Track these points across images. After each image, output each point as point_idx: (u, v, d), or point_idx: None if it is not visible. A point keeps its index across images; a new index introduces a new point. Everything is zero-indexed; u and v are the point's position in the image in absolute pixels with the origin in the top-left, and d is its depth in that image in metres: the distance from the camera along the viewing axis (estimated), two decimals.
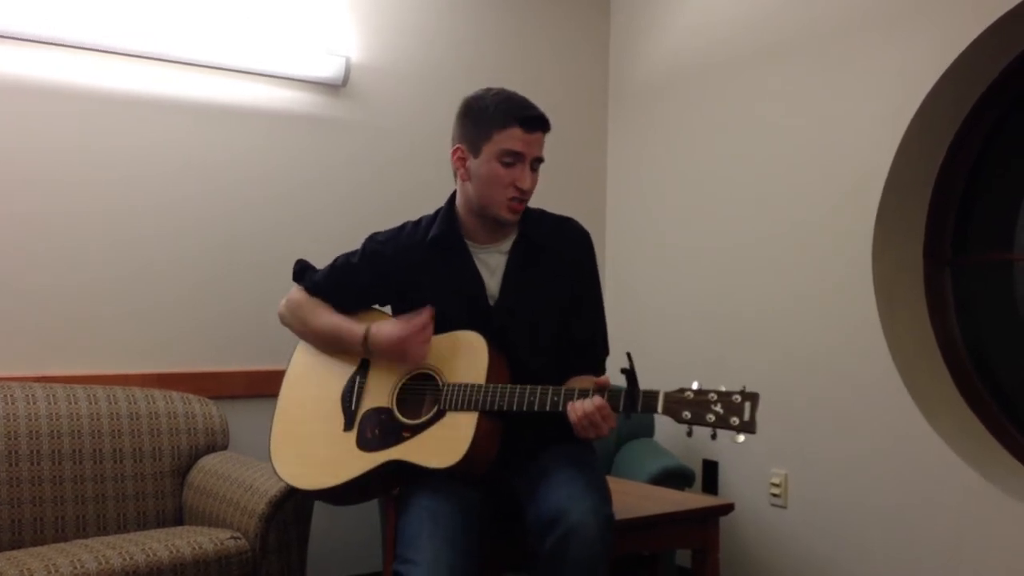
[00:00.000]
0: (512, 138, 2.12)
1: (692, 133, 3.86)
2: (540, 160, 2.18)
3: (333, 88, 3.55)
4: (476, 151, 2.16)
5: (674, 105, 3.94)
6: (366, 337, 2.19)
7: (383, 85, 3.67)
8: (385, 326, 2.18)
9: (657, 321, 3.95)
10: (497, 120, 2.13)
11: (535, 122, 2.15)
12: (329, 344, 2.30)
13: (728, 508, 2.50)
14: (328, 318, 2.29)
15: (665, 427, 3.57)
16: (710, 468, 3.70)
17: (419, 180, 3.62)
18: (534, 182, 2.18)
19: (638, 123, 4.12)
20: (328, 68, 3.48)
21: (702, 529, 2.44)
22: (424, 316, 2.15)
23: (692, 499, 2.56)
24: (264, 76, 3.41)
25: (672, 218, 3.93)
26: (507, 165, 2.13)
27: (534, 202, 2.36)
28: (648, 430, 3.47)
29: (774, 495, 3.47)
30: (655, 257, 4.00)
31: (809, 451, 3.38)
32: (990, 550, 2.89)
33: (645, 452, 3.23)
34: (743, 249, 3.62)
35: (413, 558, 1.88)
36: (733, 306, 3.65)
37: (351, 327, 2.23)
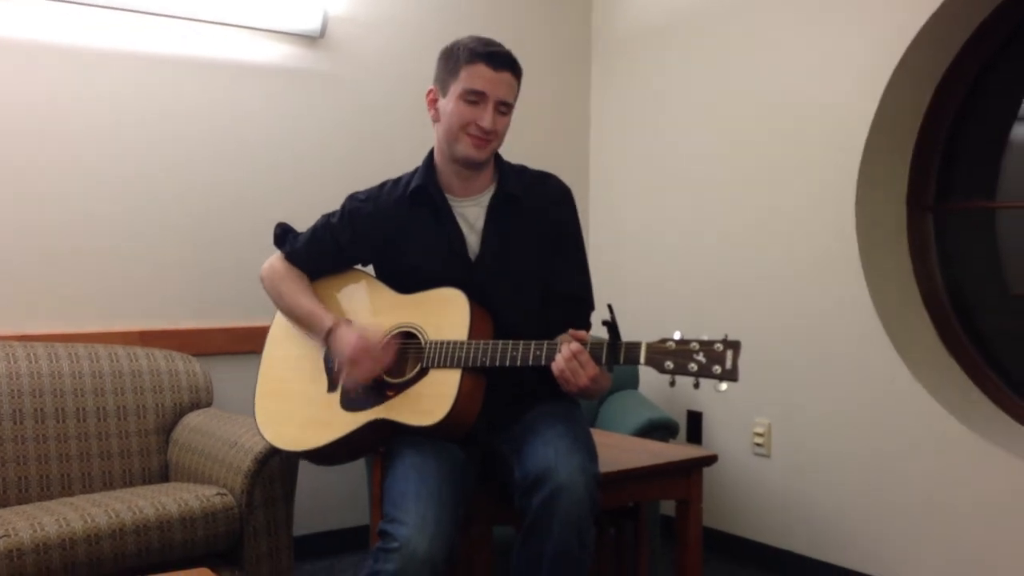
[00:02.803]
0: (477, 76, 2.11)
1: (675, 83, 3.82)
2: (507, 104, 2.14)
3: (311, 40, 3.50)
4: (445, 90, 2.16)
5: (658, 54, 3.90)
6: (329, 334, 2.17)
7: (362, 37, 3.62)
8: (348, 333, 2.13)
9: (640, 272, 3.95)
10: (464, 57, 2.13)
11: (500, 59, 2.13)
12: (299, 325, 2.28)
13: (711, 459, 2.52)
14: (300, 301, 2.25)
15: (649, 379, 3.58)
16: (694, 419, 3.73)
17: (398, 133, 3.59)
18: (504, 125, 2.15)
19: (621, 74, 4.08)
20: (306, 19, 3.43)
21: (685, 480, 2.45)
22: (387, 343, 2.12)
23: (675, 451, 2.57)
24: (240, 27, 3.35)
25: (655, 169, 3.91)
26: (471, 103, 2.12)
27: (516, 155, 2.35)
28: (632, 382, 3.48)
29: (757, 444, 3.50)
30: (638, 208, 3.99)
31: (792, 400, 3.40)
32: (970, 496, 2.93)
33: (629, 404, 3.25)
34: (725, 200, 3.61)
35: (400, 517, 1.89)
36: (716, 257, 3.65)
37: (320, 320, 2.19)
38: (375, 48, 3.65)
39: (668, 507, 2.92)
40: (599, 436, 2.65)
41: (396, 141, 3.55)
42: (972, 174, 3.22)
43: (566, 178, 2.34)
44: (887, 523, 3.13)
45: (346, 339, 2.12)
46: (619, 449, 2.55)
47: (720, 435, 3.64)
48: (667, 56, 3.85)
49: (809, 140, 3.33)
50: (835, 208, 3.24)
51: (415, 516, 1.88)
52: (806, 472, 3.37)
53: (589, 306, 2.28)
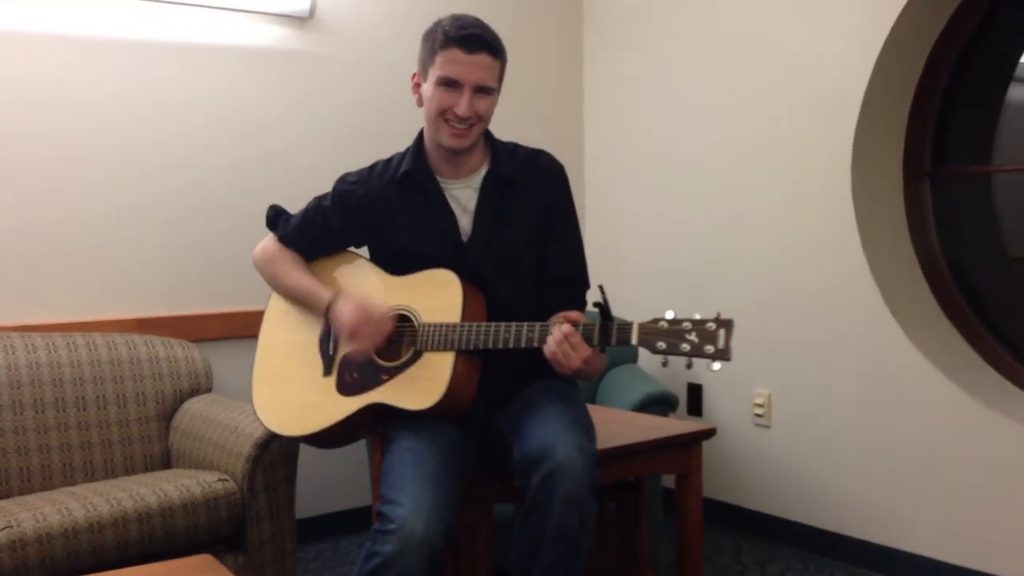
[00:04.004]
0: (451, 61, 2.06)
1: (668, 53, 3.79)
2: (486, 88, 2.09)
3: (299, 20, 3.47)
4: (425, 75, 2.13)
5: (650, 24, 3.86)
6: (328, 307, 2.17)
7: (351, 16, 3.59)
8: (347, 306, 2.13)
9: (638, 247, 3.94)
10: (439, 41, 2.08)
11: (474, 41, 2.06)
12: (297, 303, 2.29)
13: (710, 433, 2.52)
14: (297, 279, 2.26)
15: (648, 353, 3.57)
16: (694, 391, 3.73)
17: (390, 113, 3.56)
18: (486, 108, 2.11)
19: (614, 45, 4.04)
20: (294, 0, 3.40)
21: (684, 453, 2.45)
22: (386, 317, 2.12)
23: (673, 425, 2.57)
24: (227, 10, 3.32)
25: (650, 142, 3.89)
26: (447, 89, 2.08)
27: (510, 133, 2.33)
28: (632, 356, 3.48)
29: (758, 415, 3.51)
30: (634, 182, 3.97)
31: (791, 370, 3.40)
32: (970, 461, 2.93)
33: (629, 379, 3.24)
34: (721, 169, 3.60)
35: (397, 499, 1.89)
36: (713, 228, 3.63)
37: (318, 295, 2.20)
38: (364, 28, 3.62)
39: (669, 479, 2.93)
40: (598, 412, 2.65)
41: (388, 122, 3.52)
42: (968, 138, 3.20)
43: (561, 155, 2.32)
44: (888, 491, 3.13)
45: (346, 310, 2.12)
46: (618, 424, 2.55)
47: (720, 407, 3.65)
48: (659, 28, 3.82)
49: (804, 107, 3.30)
50: (831, 175, 3.22)
51: (412, 498, 1.88)
52: (806, 441, 3.37)
53: (584, 284, 2.26)
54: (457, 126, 2.09)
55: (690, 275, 3.72)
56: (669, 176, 3.81)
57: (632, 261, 3.94)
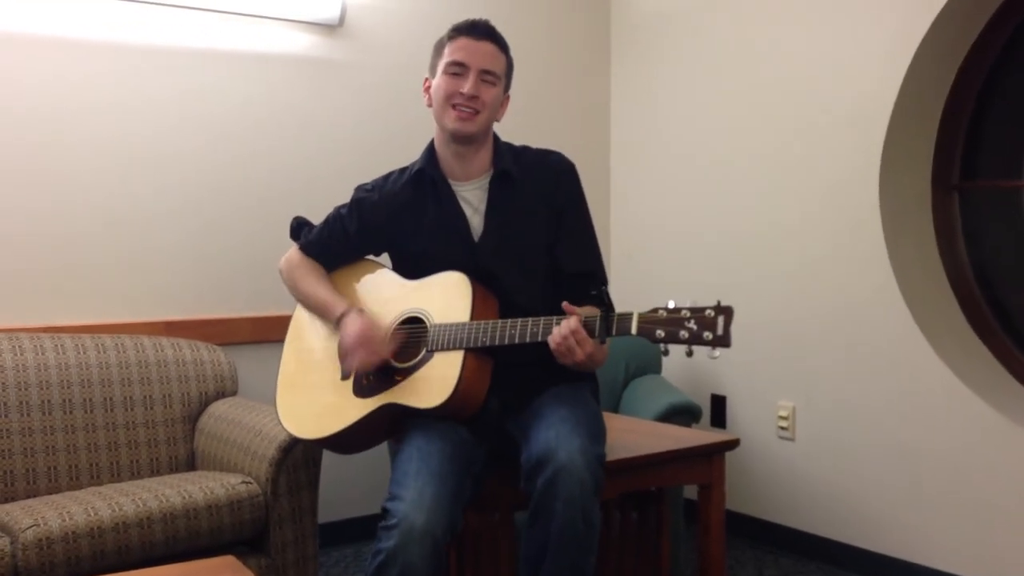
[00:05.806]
0: (458, 48, 2.18)
1: (696, 61, 3.79)
2: (492, 73, 2.18)
3: (329, 28, 3.50)
4: (434, 72, 2.24)
5: (678, 32, 3.86)
6: (339, 320, 2.24)
7: (381, 24, 3.62)
8: (354, 322, 2.20)
9: (663, 255, 3.93)
10: (447, 35, 2.22)
11: (480, 29, 2.19)
12: (314, 312, 2.37)
13: (733, 444, 2.51)
14: (315, 289, 2.34)
15: (672, 363, 3.57)
16: (718, 403, 3.71)
17: (420, 120, 3.53)
18: (491, 97, 2.19)
19: (641, 52, 4.05)
20: (324, 8, 3.43)
21: (707, 465, 2.45)
22: (385, 341, 2.19)
23: (696, 436, 2.57)
24: (259, 17, 3.36)
25: (677, 153, 3.88)
26: (454, 76, 2.17)
27: (537, 141, 2.35)
28: (655, 367, 3.47)
29: (782, 428, 3.49)
30: (661, 188, 3.96)
31: (816, 383, 3.38)
32: (997, 478, 2.90)
33: (652, 389, 3.24)
34: (748, 181, 3.59)
35: (399, 494, 1.93)
36: (740, 239, 3.62)
37: (332, 307, 2.28)
38: (394, 35, 3.64)
39: (691, 490, 2.92)
40: (621, 421, 2.66)
41: (418, 129, 3.49)
42: (997, 152, 3.18)
43: (587, 166, 2.34)
44: (913, 507, 3.11)
45: (350, 327, 2.19)
46: (641, 434, 2.55)
47: (744, 419, 3.63)
48: (686, 38, 3.82)
49: (832, 119, 3.29)
50: (859, 188, 3.21)
51: (413, 492, 1.92)
52: (830, 455, 3.35)
53: (600, 280, 2.26)
54: (463, 108, 2.16)
55: (715, 287, 3.70)
56: (695, 188, 3.80)
57: (657, 271, 3.93)
